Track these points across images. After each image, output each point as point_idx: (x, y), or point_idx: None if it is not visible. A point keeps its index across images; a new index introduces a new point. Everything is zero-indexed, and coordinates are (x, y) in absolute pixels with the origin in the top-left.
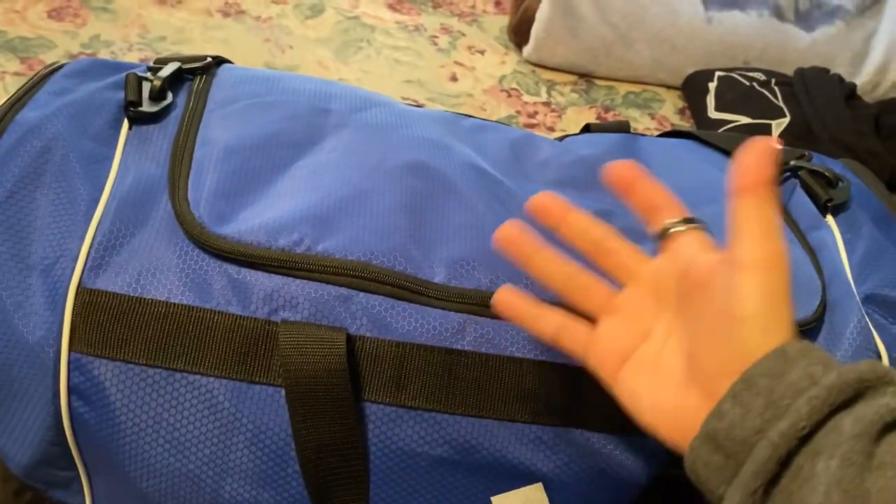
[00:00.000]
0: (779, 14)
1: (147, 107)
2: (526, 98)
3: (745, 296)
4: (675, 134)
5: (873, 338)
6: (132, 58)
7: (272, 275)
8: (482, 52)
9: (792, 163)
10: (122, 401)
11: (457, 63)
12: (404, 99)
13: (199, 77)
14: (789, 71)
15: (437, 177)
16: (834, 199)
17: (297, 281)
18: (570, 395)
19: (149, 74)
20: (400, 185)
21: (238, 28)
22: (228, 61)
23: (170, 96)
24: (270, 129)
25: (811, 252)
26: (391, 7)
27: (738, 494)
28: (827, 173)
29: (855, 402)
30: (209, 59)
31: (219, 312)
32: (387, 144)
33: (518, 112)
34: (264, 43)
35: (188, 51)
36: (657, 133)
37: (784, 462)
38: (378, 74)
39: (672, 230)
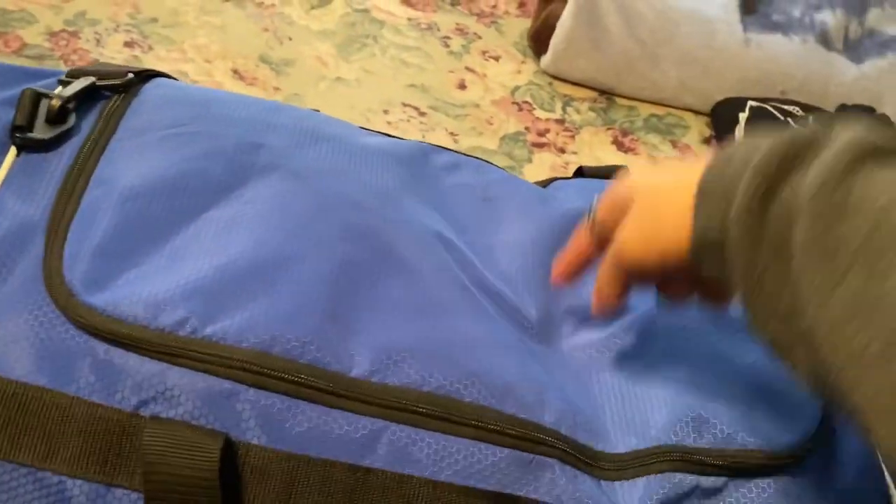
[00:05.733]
0: (825, 41)
1: (40, 132)
2: (538, 113)
3: None
4: None
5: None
6: (118, 40)
7: (146, 359)
8: (497, 59)
9: None
10: None
11: (468, 69)
12: (405, 105)
13: (116, 96)
14: (830, 106)
15: (379, 243)
16: None
17: (177, 369)
18: None
19: (58, 89)
20: (330, 251)
21: (237, 14)
22: (165, 75)
23: (72, 119)
24: (182, 168)
25: None
26: (405, 1)
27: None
28: None
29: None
30: (130, 76)
31: (78, 399)
32: (323, 196)
33: (527, 129)
34: (262, 32)
35: (179, 35)
36: None
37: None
38: (380, 75)
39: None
